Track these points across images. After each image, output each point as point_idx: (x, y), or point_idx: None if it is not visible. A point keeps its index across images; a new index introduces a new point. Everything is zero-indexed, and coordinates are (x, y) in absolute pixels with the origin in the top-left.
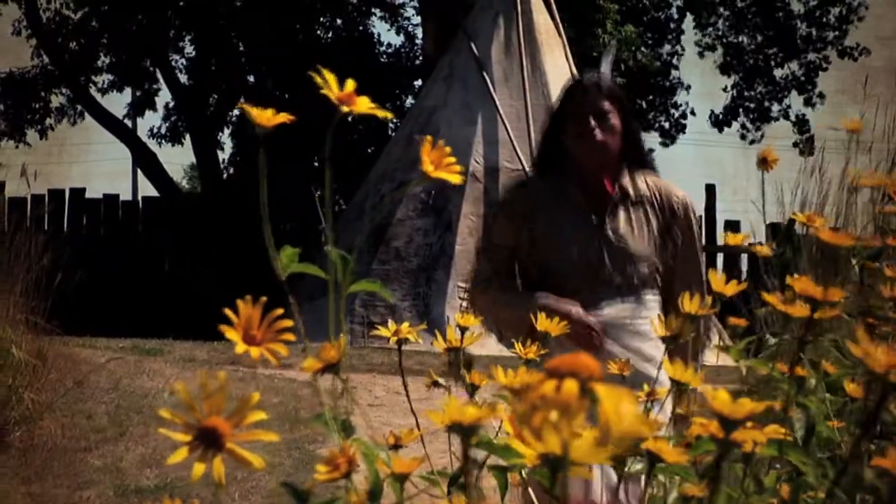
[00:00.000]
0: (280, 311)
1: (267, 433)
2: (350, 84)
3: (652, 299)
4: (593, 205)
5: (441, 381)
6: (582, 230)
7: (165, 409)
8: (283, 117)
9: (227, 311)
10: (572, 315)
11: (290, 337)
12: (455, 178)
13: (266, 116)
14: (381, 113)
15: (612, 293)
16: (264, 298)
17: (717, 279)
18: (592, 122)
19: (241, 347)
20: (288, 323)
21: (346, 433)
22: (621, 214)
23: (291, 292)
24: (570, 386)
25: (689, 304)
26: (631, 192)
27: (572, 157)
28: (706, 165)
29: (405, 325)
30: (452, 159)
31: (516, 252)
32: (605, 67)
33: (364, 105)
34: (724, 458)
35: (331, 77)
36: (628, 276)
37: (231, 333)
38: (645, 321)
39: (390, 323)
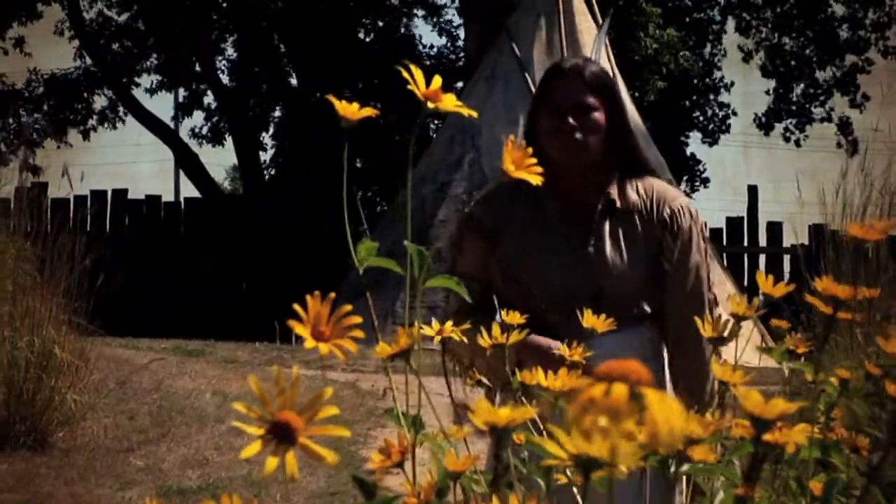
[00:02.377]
0: (349, 307)
1: (339, 428)
2: (437, 80)
3: (647, 334)
4: (574, 220)
5: (485, 380)
6: (560, 251)
7: (227, 404)
8: (369, 111)
9: (296, 307)
10: (552, 354)
11: (360, 334)
12: (535, 179)
13: (351, 110)
14: (465, 111)
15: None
16: (333, 294)
17: (763, 280)
18: (571, 118)
19: (310, 343)
20: (357, 319)
21: (415, 429)
22: (608, 231)
23: (335, 291)
24: (620, 390)
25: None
26: (619, 202)
27: (548, 160)
28: (748, 167)
29: (449, 323)
30: (533, 160)
31: (488, 281)
32: (597, 50)
33: (450, 102)
34: (761, 459)
35: (418, 73)
36: (618, 307)
37: (300, 329)
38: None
39: (434, 322)
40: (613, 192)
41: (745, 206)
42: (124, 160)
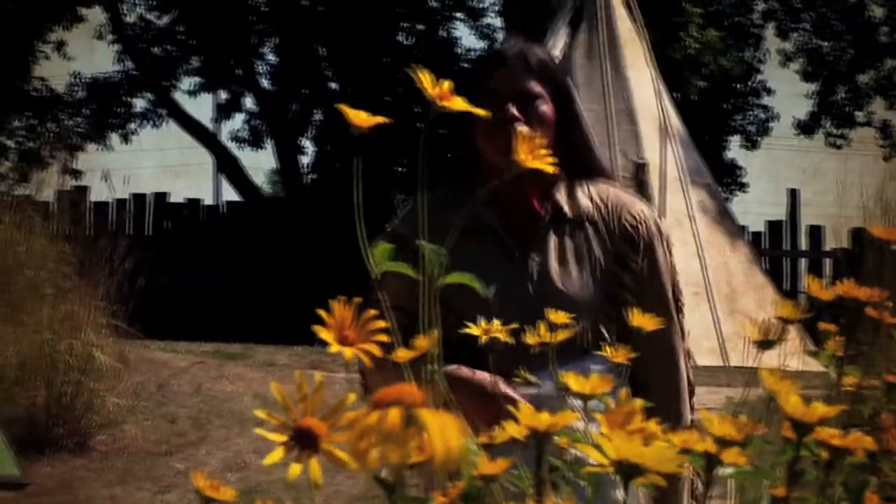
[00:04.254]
0: (374, 311)
1: None
2: (446, 83)
3: (606, 364)
4: (515, 232)
5: (533, 379)
6: (500, 270)
7: (261, 408)
8: (380, 119)
9: (321, 312)
10: (488, 389)
11: (384, 338)
12: (549, 168)
13: (362, 117)
14: (476, 111)
15: (544, 358)
16: (358, 299)
17: (815, 285)
18: (512, 111)
19: (334, 348)
20: (381, 324)
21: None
22: (554, 244)
23: (378, 292)
24: (394, 415)
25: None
26: (569, 210)
27: (485, 161)
28: (789, 170)
29: (496, 322)
30: (546, 150)
31: (415, 310)
32: (559, 36)
33: (460, 104)
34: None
35: (426, 75)
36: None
37: (324, 333)
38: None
39: (481, 321)
40: (562, 197)
41: (784, 210)
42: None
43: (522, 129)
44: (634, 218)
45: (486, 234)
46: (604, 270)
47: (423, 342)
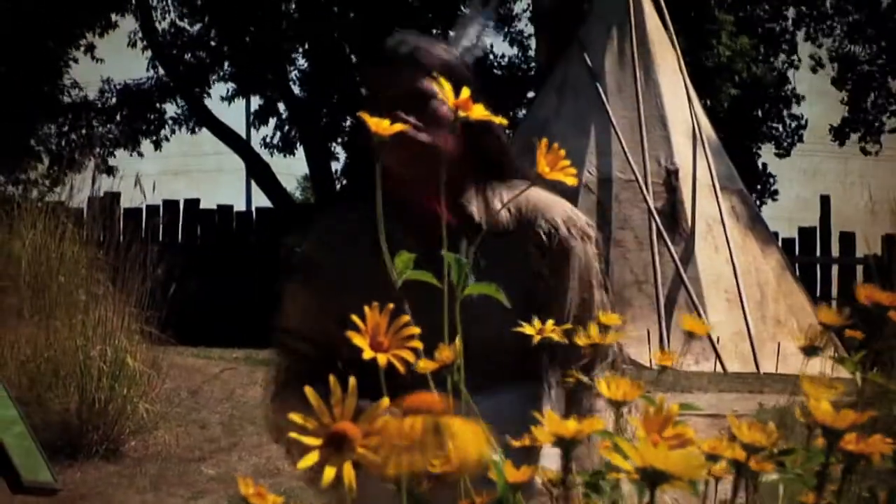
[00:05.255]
0: (406, 318)
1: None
2: (465, 91)
3: (522, 396)
4: (419, 243)
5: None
6: (412, 292)
7: (295, 413)
8: (400, 127)
9: (354, 318)
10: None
11: (418, 344)
12: (571, 180)
13: (383, 126)
14: (497, 119)
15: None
16: (390, 305)
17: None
18: (401, 114)
19: (368, 353)
20: (415, 330)
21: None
22: (466, 257)
23: (406, 300)
24: (421, 422)
25: None
26: (481, 220)
27: (384, 170)
28: (822, 176)
29: (536, 321)
30: (567, 162)
31: (328, 342)
32: (469, 33)
33: (479, 111)
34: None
35: (447, 84)
36: (488, 361)
37: (358, 339)
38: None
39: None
40: (473, 206)
41: (816, 216)
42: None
43: (417, 135)
44: (548, 223)
45: (393, 246)
46: (519, 283)
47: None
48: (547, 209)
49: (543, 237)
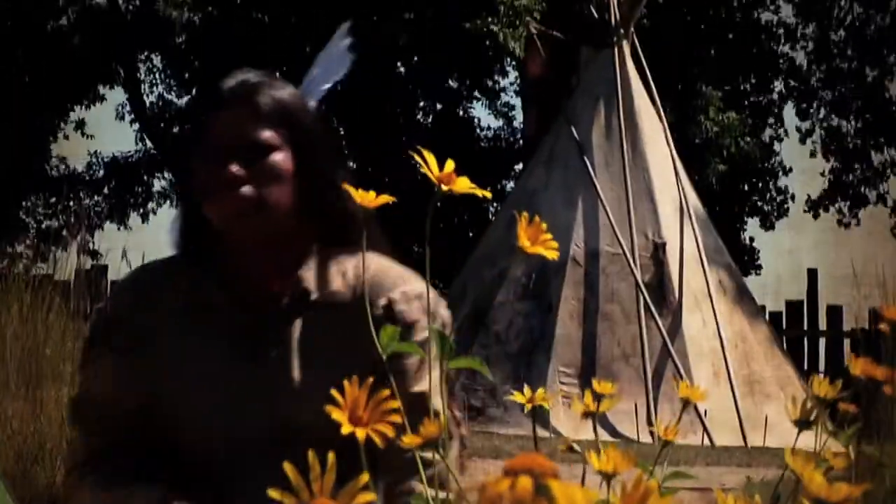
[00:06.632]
0: (387, 392)
1: None
2: (450, 164)
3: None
4: (250, 318)
5: (576, 447)
6: (227, 370)
7: (273, 489)
8: (385, 198)
9: (333, 392)
10: None
11: (397, 419)
12: (552, 254)
13: (369, 198)
14: (480, 192)
15: (281, 482)
16: (371, 379)
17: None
18: (233, 168)
19: (346, 428)
20: (395, 404)
21: None
22: (298, 335)
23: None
24: (525, 483)
25: None
26: (317, 292)
27: (211, 229)
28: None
29: (540, 391)
30: (548, 235)
31: (131, 413)
32: (325, 73)
33: (464, 185)
34: None
35: (430, 157)
36: (303, 448)
37: (337, 414)
38: None
39: (525, 389)
40: (308, 275)
41: (802, 288)
42: None
43: (245, 190)
44: (390, 301)
45: (215, 319)
46: (351, 365)
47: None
48: (394, 283)
49: (384, 314)
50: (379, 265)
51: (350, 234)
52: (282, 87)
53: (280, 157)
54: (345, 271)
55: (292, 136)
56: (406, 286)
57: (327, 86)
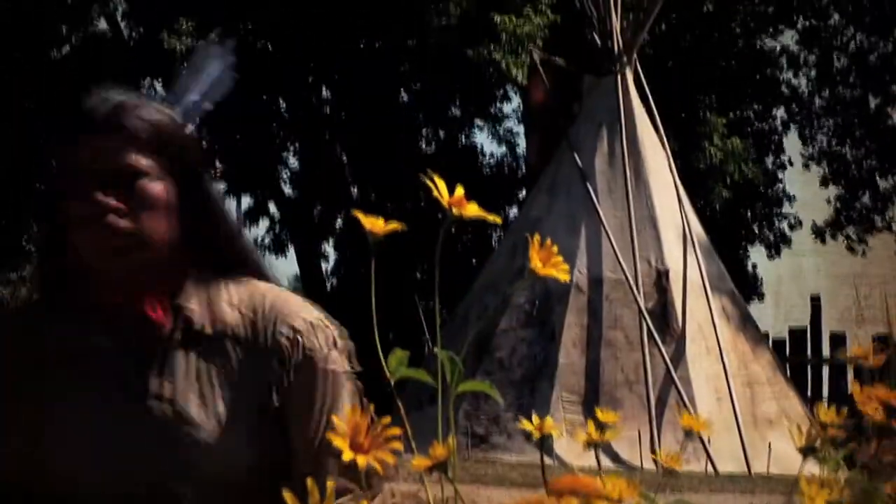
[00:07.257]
0: (387, 419)
1: None
2: (459, 189)
3: None
4: (132, 355)
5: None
6: (111, 405)
7: None
8: (395, 226)
9: (335, 418)
10: None
11: (398, 445)
12: (563, 276)
13: (378, 225)
14: (490, 217)
15: None
16: (371, 406)
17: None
18: (109, 199)
19: (347, 455)
20: (396, 431)
21: None
22: (184, 369)
23: (399, 399)
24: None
25: None
26: (204, 324)
27: (84, 261)
28: (812, 276)
29: (549, 419)
30: (559, 258)
31: (7, 461)
32: (197, 85)
33: (473, 210)
34: None
35: (441, 182)
36: (202, 493)
37: (338, 441)
38: None
39: (534, 418)
40: (194, 306)
41: (805, 316)
42: None
43: (124, 224)
44: (292, 330)
45: (95, 358)
46: (250, 400)
47: None
48: (290, 313)
49: (284, 346)
50: (275, 294)
51: (234, 260)
52: (156, 111)
53: (159, 187)
54: (233, 301)
55: (170, 163)
56: (305, 316)
57: (205, 108)
